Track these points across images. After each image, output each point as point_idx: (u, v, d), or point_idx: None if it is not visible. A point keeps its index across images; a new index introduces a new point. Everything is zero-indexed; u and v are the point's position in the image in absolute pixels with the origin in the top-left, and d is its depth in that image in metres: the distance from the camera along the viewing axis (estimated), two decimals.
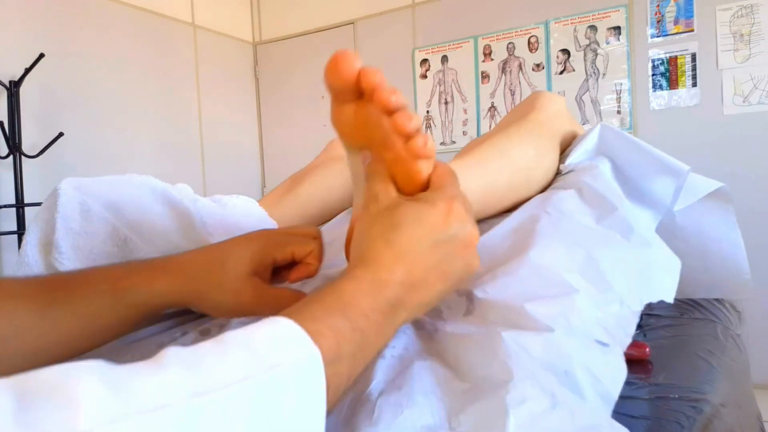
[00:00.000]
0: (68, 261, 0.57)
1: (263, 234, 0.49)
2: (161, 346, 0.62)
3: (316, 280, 0.60)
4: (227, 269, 0.46)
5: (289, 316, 0.31)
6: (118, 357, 0.61)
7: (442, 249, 0.38)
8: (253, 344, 0.28)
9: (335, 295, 0.34)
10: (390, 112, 0.39)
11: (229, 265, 0.46)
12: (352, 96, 0.41)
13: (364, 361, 0.35)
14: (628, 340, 0.44)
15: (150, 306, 0.46)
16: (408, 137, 0.39)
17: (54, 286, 0.44)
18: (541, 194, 0.64)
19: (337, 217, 0.86)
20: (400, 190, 0.42)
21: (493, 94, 2.67)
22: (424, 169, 0.41)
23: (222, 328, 0.63)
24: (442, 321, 0.48)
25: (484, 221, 0.63)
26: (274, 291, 0.47)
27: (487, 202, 0.61)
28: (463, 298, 0.49)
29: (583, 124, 2.46)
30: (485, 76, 2.69)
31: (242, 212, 0.76)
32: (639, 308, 0.46)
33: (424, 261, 0.38)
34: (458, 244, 0.39)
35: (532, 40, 2.57)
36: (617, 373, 0.40)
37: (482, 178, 0.59)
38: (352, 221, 0.47)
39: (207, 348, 0.27)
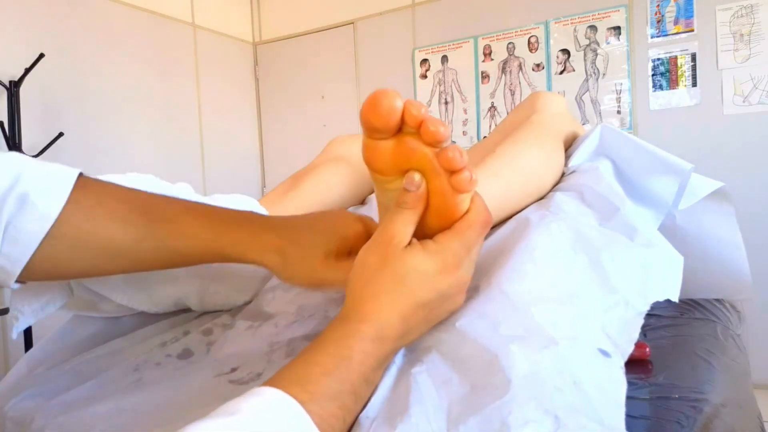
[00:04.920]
0: None
1: (345, 226, 0.51)
2: (164, 345, 0.62)
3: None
4: (306, 251, 0.49)
5: (306, 389, 0.34)
6: (122, 356, 0.61)
7: (435, 302, 0.41)
8: None
9: (345, 363, 0.36)
10: (437, 145, 0.39)
11: (310, 247, 0.49)
12: (391, 133, 0.40)
13: (355, 416, 0.37)
14: (631, 347, 0.43)
15: (241, 261, 0.50)
16: (454, 172, 0.39)
17: (154, 217, 0.48)
18: (540, 201, 0.64)
19: None
20: (430, 220, 0.42)
21: (493, 94, 2.67)
22: (465, 201, 0.41)
23: (225, 328, 0.63)
24: None
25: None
26: (340, 266, 0.49)
27: (501, 212, 0.61)
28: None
29: (583, 124, 2.46)
30: (485, 76, 2.69)
31: None
32: (645, 309, 0.46)
33: (419, 314, 0.40)
34: (450, 295, 0.42)
35: (532, 40, 2.57)
36: (616, 390, 0.39)
37: (496, 190, 0.60)
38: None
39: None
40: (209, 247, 0.49)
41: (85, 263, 0.48)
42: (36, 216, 0.44)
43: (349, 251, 0.50)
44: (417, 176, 0.41)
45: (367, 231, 0.51)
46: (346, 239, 0.50)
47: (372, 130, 0.40)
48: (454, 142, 2.54)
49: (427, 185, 0.41)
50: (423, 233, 0.42)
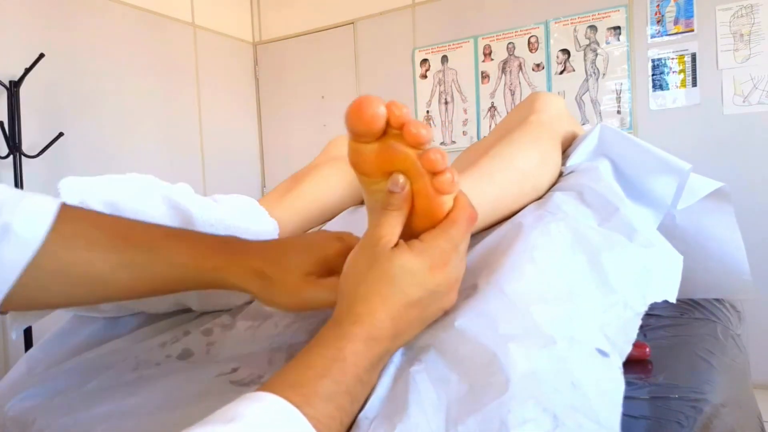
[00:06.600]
0: None
1: (324, 246, 0.51)
2: (164, 345, 0.62)
3: None
4: (287, 271, 0.49)
5: (300, 391, 0.34)
6: (122, 356, 0.61)
7: (425, 300, 0.41)
8: None
9: (338, 365, 0.37)
10: (419, 146, 0.40)
11: (290, 268, 0.49)
12: (375, 137, 0.41)
13: (353, 417, 0.38)
14: (629, 348, 0.43)
15: (223, 287, 0.50)
16: (436, 173, 0.40)
17: (134, 243, 0.48)
18: (539, 201, 0.64)
19: (338, 216, 0.87)
20: (415, 222, 0.43)
21: (493, 94, 2.67)
22: (448, 202, 0.42)
23: (225, 328, 0.63)
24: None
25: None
26: (322, 284, 0.49)
27: (496, 213, 0.61)
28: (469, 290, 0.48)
29: (583, 124, 2.46)
30: (485, 76, 2.69)
31: (242, 212, 0.76)
32: (643, 309, 0.46)
33: (410, 313, 0.41)
34: (441, 293, 0.42)
35: (532, 40, 2.57)
36: (614, 390, 0.39)
37: (490, 191, 0.60)
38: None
39: None
40: (189, 274, 0.49)
41: (66, 292, 0.48)
42: (18, 245, 0.43)
43: (330, 271, 0.50)
44: (401, 178, 0.42)
45: (347, 248, 0.50)
46: (327, 258, 0.50)
47: (357, 135, 0.41)
48: (453, 142, 2.51)
49: (411, 186, 0.42)
50: (410, 234, 0.43)
